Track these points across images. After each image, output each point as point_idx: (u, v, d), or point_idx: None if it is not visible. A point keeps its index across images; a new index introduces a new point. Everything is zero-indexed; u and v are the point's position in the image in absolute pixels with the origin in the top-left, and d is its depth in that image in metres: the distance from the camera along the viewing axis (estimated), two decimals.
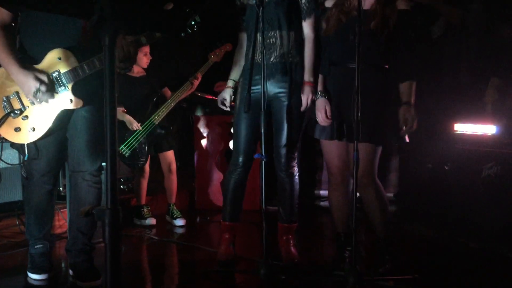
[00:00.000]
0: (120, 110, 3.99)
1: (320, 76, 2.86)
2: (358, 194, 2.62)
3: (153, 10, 1.24)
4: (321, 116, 2.77)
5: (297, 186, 3.00)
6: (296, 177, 2.99)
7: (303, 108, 2.88)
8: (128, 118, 3.89)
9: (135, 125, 3.88)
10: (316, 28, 2.92)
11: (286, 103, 2.89)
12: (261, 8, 2.56)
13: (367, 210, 2.81)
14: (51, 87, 2.44)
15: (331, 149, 2.81)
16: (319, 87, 2.84)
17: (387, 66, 2.72)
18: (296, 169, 2.98)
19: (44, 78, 2.41)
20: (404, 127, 2.69)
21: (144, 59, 4.03)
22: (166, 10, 1.24)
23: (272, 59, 2.87)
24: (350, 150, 2.72)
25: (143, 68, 4.09)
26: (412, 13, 2.71)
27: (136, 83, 4.05)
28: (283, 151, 2.91)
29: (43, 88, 2.39)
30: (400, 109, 2.70)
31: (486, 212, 3.22)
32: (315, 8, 2.90)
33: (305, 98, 2.85)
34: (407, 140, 2.78)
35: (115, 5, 1.12)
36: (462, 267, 3.01)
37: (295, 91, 2.88)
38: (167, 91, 4.22)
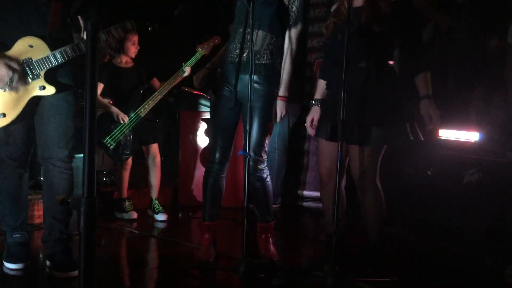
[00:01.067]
0: (106, 101, 3.95)
1: (320, 83, 2.86)
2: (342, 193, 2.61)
3: None
4: (307, 123, 2.83)
5: (269, 188, 2.98)
6: (268, 179, 2.96)
7: (277, 121, 2.91)
8: (114, 110, 3.85)
9: (122, 117, 3.85)
10: (299, 40, 2.90)
11: (255, 104, 2.80)
12: (251, 4, 2.53)
13: (364, 212, 2.80)
14: (23, 75, 2.43)
15: (326, 150, 2.78)
16: (317, 95, 2.85)
17: (391, 62, 2.68)
18: (266, 170, 2.95)
19: (15, 65, 2.40)
20: (428, 123, 2.64)
21: (132, 48, 3.99)
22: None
23: (244, 56, 2.80)
24: (350, 151, 2.72)
25: (131, 59, 4.06)
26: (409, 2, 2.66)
27: (124, 74, 4.02)
28: (251, 154, 2.84)
29: (16, 76, 2.39)
30: (420, 104, 2.65)
31: (466, 218, 3.24)
32: (302, 19, 2.89)
33: (279, 113, 2.88)
34: (422, 138, 2.72)
35: None
36: (441, 272, 3.03)
37: (263, 93, 2.84)
38: (156, 82, 4.18)
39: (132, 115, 3.90)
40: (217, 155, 2.92)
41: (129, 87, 4.02)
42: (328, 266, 2.42)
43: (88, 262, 1.10)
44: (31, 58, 2.46)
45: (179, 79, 4.02)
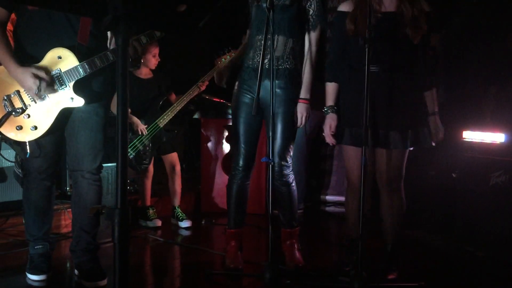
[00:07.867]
0: None
1: (330, 88, 2.80)
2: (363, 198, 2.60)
3: (166, 10, 1.24)
4: (326, 132, 2.77)
5: (295, 193, 2.97)
6: (293, 184, 2.95)
7: (298, 125, 2.87)
8: (134, 121, 3.89)
9: (141, 129, 3.88)
10: (320, 42, 2.90)
11: (279, 109, 2.83)
12: (271, 11, 2.53)
13: (384, 214, 2.77)
14: (51, 82, 2.45)
15: (353, 157, 2.74)
16: (329, 102, 2.79)
17: (413, 69, 2.67)
18: (291, 176, 2.94)
19: (42, 74, 2.42)
20: (434, 138, 2.75)
21: (152, 60, 4.03)
22: (179, 11, 1.25)
23: (265, 62, 2.75)
24: (376, 156, 2.71)
25: (151, 70, 4.10)
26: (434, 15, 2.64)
27: (144, 85, 4.06)
28: (276, 159, 2.85)
29: (43, 84, 2.40)
30: (429, 120, 2.74)
31: (493, 220, 3.19)
32: (322, 21, 2.87)
33: (300, 116, 2.84)
34: (433, 144, 2.77)
35: (128, 5, 1.12)
36: (468, 275, 3.00)
37: (286, 98, 2.84)
38: (173, 96, 4.22)
39: (152, 125, 3.94)
40: (241, 163, 2.92)
41: (149, 98, 4.06)
42: (354, 271, 2.41)
43: (123, 271, 1.11)
44: (60, 70, 2.47)
45: (196, 93, 4.07)
